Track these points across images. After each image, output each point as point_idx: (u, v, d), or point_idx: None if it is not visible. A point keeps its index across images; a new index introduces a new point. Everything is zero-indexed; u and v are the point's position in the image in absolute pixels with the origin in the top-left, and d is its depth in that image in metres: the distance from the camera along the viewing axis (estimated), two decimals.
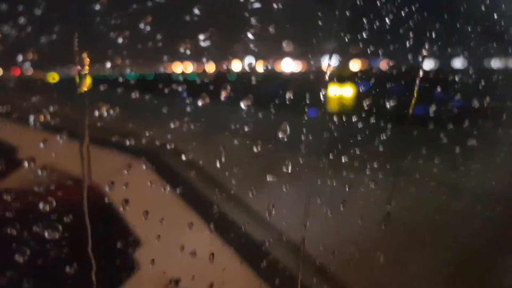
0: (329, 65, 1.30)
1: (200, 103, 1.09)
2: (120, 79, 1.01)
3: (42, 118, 0.91)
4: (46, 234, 1.00)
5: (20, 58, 0.84)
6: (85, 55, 0.90)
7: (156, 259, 1.18)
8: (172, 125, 1.09)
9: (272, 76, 1.32)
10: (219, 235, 1.27)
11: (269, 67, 1.25)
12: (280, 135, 1.25)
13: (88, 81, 0.92)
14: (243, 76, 1.22)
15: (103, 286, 1.10)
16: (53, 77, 0.96)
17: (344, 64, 1.44)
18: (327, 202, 1.43)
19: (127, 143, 1.07)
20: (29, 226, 0.98)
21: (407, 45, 1.46)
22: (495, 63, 1.89)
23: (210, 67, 1.15)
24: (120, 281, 1.21)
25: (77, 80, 0.91)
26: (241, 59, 1.20)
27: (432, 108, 1.60)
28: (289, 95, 1.27)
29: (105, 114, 0.97)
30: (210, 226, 1.24)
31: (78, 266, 1.05)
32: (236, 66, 1.19)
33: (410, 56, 1.50)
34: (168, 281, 1.21)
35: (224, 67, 1.14)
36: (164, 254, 1.20)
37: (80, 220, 1.02)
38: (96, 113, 0.96)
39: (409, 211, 1.65)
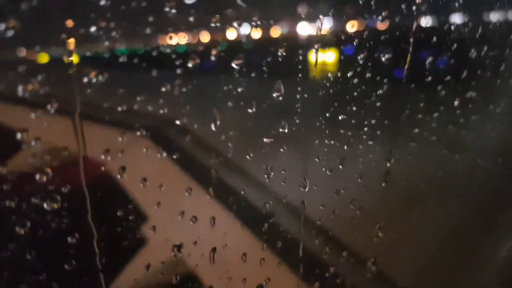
0: (321, 24, 1.28)
1: (190, 64, 1.07)
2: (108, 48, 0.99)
3: (31, 88, 0.89)
4: (45, 205, 1.00)
5: (2, 26, 0.81)
6: (69, 21, 0.87)
7: (157, 226, 1.18)
8: (163, 89, 1.08)
9: (266, 36, 1.30)
10: (219, 199, 1.27)
11: (261, 28, 1.23)
12: (275, 95, 1.24)
13: (74, 48, 0.90)
14: (236, 41, 1.20)
15: (104, 255, 1.11)
16: (38, 46, 0.94)
17: (340, 21, 1.41)
18: (326, 162, 1.43)
19: (119, 109, 1.06)
20: (27, 198, 0.98)
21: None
22: (493, 15, 1.86)
23: (205, 36, 1.13)
24: (122, 249, 1.22)
25: (64, 47, 0.90)
26: (231, 21, 1.17)
27: (430, 61, 1.58)
28: (284, 54, 1.25)
29: (95, 80, 0.95)
30: (209, 191, 1.23)
31: (79, 236, 1.06)
32: (230, 31, 1.17)
33: (405, 10, 1.47)
34: (171, 247, 1.21)
35: (214, 27, 1.11)
36: (164, 220, 1.20)
37: (78, 189, 1.02)
38: (85, 80, 0.95)
39: (410, 167, 1.65)
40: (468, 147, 1.82)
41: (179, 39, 1.08)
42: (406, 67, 1.49)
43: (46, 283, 1.06)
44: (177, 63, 1.08)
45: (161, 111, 1.11)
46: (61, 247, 1.07)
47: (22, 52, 0.90)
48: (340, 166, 1.47)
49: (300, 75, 1.31)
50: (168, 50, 1.06)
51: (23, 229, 0.99)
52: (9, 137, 0.94)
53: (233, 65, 1.15)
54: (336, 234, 1.53)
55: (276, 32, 1.34)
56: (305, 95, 1.32)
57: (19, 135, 0.93)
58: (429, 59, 1.57)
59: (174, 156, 1.18)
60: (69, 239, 1.05)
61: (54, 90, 0.93)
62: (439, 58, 1.64)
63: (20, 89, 0.89)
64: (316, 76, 1.35)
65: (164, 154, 1.15)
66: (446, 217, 1.76)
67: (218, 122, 1.17)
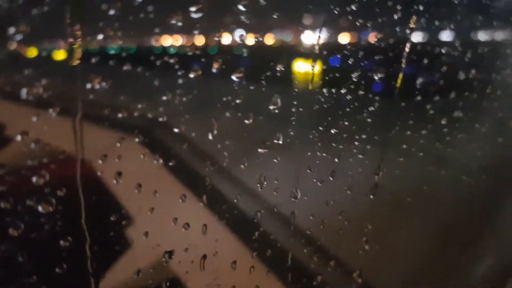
0: (319, 37, 1.30)
1: (192, 75, 1.09)
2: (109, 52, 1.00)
3: (34, 91, 0.90)
4: (39, 208, 1.01)
5: (11, 30, 0.82)
6: (77, 27, 0.89)
7: (149, 231, 1.19)
8: (164, 98, 1.09)
9: (262, 49, 1.32)
10: (212, 207, 1.28)
11: (259, 39, 1.25)
12: (271, 107, 1.26)
13: (79, 54, 0.92)
14: (232, 48, 1.22)
15: (97, 259, 1.11)
16: (44, 50, 0.95)
17: (333, 36, 1.44)
18: (317, 173, 1.45)
19: (120, 116, 1.07)
20: (22, 200, 0.98)
21: (395, 17, 1.47)
22: (481, 36, 1.91)
23: (200, 40, 1.14)
24: (114, 253, 1.22)
25: (69, 53, 0.91)
26: (231, 31, 1.19)
27: (420, 80, 1.62)
28: (279, 68, 1.27)
29: (97, 87, 0.96)
30: (202, 198, 1.25)
31: (71, 239, 1.06)
32: (226, 39, 1.19)
33: (398, 29, 1.51)
34: (162, 253, 1.22)
35: (216, 39, 1.13)
36: (157, 226, 1.21)
37: (74, 193, 1.03)
38: (88, 86, 0.96)
39: (397, 181, 1.68)
40: (454, 163, 1.87)
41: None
42: (398, 85, 1.52)
43: (36, 285, 1.06)
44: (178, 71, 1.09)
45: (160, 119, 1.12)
46: (54, 250, 1.06)
47: (26, 55, 0.91)
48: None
49: (296, 88, 1.34)
50: (172, 59, 1.08)
51: (16, 231, 0.99)
52: (9, 139, 0.95)
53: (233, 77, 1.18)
54: (325, 244, 1.55)
55: (273, 42, 1.37)
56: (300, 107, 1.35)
57: (19, 137, 0.93)
58: (420, 79, 1.60)
59: (170, 163, 1.19)
60: (61, 242, 1.05)
61: (56, 94, 0.94)
62: (431, 77, 1.69)
63: (23, 92, 0.90)
64: (311, 88, 1.38)
65: (161, 161, 1.16)
66: (430, 231, 1.79)
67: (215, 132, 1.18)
